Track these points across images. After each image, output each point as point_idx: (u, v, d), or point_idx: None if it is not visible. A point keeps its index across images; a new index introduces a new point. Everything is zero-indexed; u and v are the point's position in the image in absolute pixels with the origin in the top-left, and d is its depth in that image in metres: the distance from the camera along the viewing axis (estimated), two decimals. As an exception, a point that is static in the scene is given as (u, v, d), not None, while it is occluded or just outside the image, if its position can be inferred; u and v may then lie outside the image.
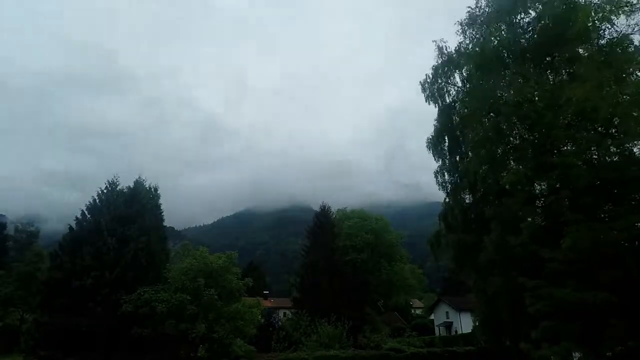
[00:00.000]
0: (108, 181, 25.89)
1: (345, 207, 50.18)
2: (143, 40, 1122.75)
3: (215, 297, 21.24)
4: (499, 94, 18.38)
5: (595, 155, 14.96)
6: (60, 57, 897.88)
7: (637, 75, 13.90)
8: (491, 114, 18.44)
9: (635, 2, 11.83)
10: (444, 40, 21.76)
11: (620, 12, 12.29)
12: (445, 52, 21.62)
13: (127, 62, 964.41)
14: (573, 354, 15.05)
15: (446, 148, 21.33)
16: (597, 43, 15.46)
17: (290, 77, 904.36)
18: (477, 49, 19.12)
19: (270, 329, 31.70)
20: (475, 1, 19.47)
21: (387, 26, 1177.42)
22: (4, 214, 53.49)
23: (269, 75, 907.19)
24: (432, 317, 61.88)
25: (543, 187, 16.98)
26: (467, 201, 20.53)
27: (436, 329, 57.27)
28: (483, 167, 18.27)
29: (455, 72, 21.67)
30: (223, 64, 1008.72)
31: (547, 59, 17.64)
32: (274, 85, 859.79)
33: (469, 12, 19.68)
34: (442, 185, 21.41)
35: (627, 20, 12.84)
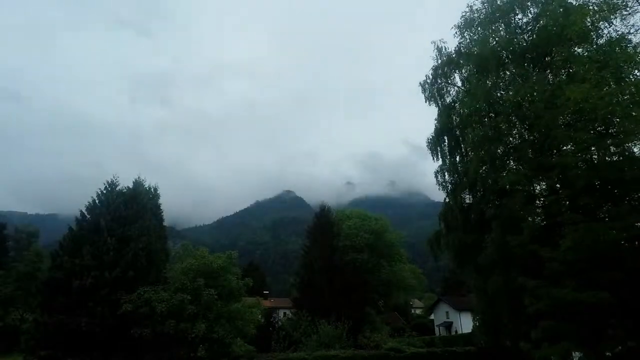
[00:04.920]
0: (107, 181, 25.83)
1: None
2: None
3: (215, 297, 21.24)
4: (498, 94, 18.41)
5: (595, 155, 14.96)
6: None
7: (636, 74, 13.89)
8: (491, 114, 18.48)
9: (630, 4, 11.81)
10: (443, 40, 21.85)
11: (617, 14, 12.29)
12: (445, 52, 21.69)
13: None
14: (573, 354, 15.06)
15: (446, 148, 21.34)
16: (596, 42, 15.49)
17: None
18: (475, 49, 19.16)
19: (270, 329, 31.69)
20: (468, 6, 19.54)
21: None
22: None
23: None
24: (432, 317, 61.92)
25: (543, 187, 17.00)
26: (467, 201, 20.56)
27: (436, 329, 57.30)
28: (483, 167, 18.29)
29: (455, 72, 21.73)
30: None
31: (547, 58, 17.66)
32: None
33: (463, 16, 19.76)
34: (443, 185, 21.41)
35: (621, 22, 12.87)
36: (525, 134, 17.65)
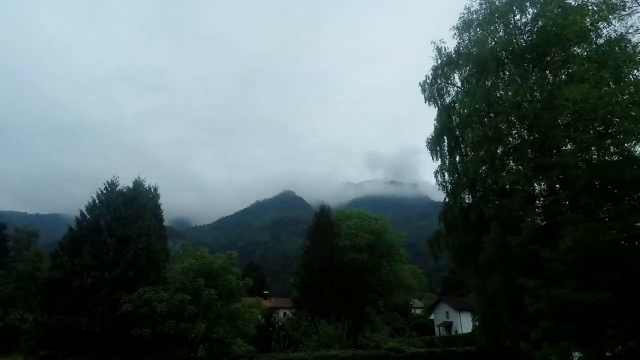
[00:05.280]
0: (107, 181, 25.83)
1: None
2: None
3: (215, 297, 21.25)
4: (498, 94, 18.42)
5: (595, 155, 14.96)
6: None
7: (635, 74, 13.89)
8: (490, 114, 18.48)
9: (629, 4, 11.81)
10: (443, 40, 21.85)
11: (615, 14, 12.29)
12: (444, 52, 21.69)
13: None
14: (573, 354, 15.06)
15: (446, 148, 21.34)
16: (595, 42, 15.50)
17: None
18: (474, 50, 19.16)
19: (270, 329, 31.70)
20: (466, 7, 19.53)
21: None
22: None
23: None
24: (432, 317, 61.91)
25: (543, 187, 16.99)
26: (467, 201, 20.55)
27: (436, 329, 57.30)
28: (483, 167, 18.29)
29: (455, 72, 21.73)
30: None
31: (546, 58, 17.66)
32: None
33: (461, 17, 19.77)
34: (442, 185, 21.41)
35: (620, 23, 12.89)
36: (525, 134, 17.65)
